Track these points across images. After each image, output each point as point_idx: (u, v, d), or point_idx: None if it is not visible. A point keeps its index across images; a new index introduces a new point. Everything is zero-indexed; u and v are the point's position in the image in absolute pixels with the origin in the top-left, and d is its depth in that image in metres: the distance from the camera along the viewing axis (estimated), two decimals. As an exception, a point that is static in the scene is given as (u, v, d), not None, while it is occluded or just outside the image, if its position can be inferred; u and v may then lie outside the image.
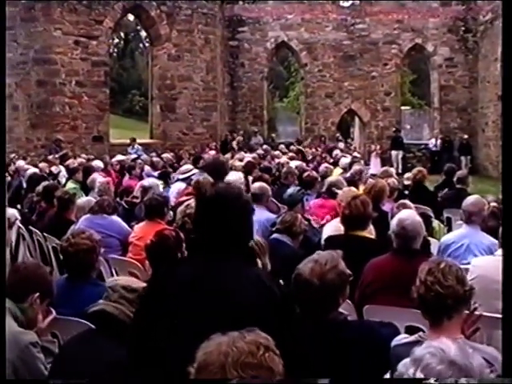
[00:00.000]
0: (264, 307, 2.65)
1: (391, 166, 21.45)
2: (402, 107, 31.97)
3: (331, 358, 3.03)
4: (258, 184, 7.99)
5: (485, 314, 3.51)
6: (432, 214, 8.28)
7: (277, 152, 19.11)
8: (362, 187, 8.73)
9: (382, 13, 27.24)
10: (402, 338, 3.19)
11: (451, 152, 26.22)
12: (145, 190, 8.73)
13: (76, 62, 20.79)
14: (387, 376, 2.97)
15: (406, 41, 27.50)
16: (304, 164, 14.37)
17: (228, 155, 17.59)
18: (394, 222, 4.78)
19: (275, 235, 5.95)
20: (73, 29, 20.65)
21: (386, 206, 7.48)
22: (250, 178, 10.07)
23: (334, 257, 3.28)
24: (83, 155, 17.04)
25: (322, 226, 7.12)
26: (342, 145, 25.52)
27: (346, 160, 14.35)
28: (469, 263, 5.15)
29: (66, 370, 3.25)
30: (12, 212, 7.45)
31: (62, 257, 4.87)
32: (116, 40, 55.48)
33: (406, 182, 11.41)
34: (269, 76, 29.96)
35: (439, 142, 27.33)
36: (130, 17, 28.42)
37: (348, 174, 10.50)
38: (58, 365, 3.40)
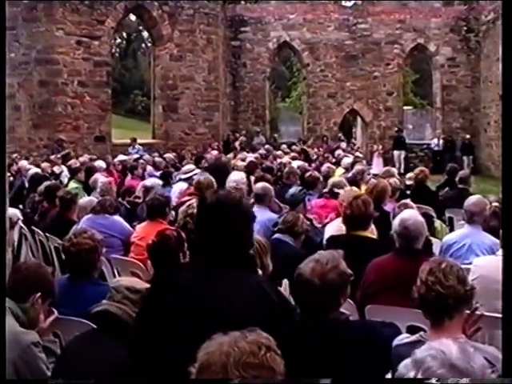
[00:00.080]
0: (263, 314, 2.66)
1: (393, 165, 21.44)
2: (405, 107, 31.95)
3: (332, 358, 3.03)
4: (260, 184, 7.98)
5: (486, 313, 3.51)
6: (434, 214, 8.27)
7: (279, 152, 19.12)
8: (363, 187, 8.73)
9: (384, 13, 27.23)
10: (404, 338, 3.19)
11: (453, 152, 26.21)
12: (147, 190, 8.74)
13: (78, 62, 20.81)
14: (388, 376, 2.97)
15: (408, 41, 27.48)
16: (306, 164, 14.36)
17: (230, 155, 17.59)
18: (396, 222, 4.78)
19: (277, 235, 5.95)
20: (75, 29, 20.67)
21: (388, 206, 7.48)
22: (252, 178, 10.07)
23: (335, 256, 3.28)
24: (86, 155, 17.03)
25: (325, 225, 7.12)
26: (344, 145, 25.49)
27: (348, 160, 14.33)
28: (470, 263, 5.15)
29: (68, 370, 3.26)
30: (14, 212, 7.46)
31: (63, 256, 4.88)
32: (118, 40, 55.44)
33: (408, 182, 11.41)
34: (271, 76, 29.95)
35: (441, 141, 27.30)
36: (132, 17, 28.39)
37: (350, 174, 10.50)
38: (60, 365, 3.40)
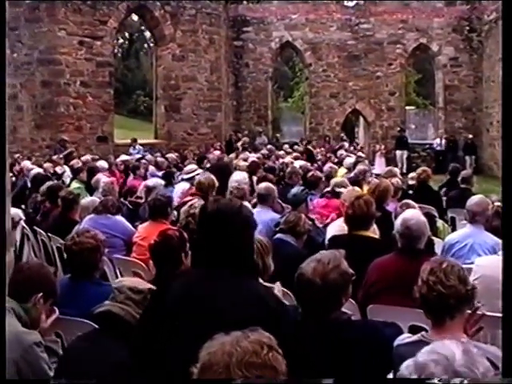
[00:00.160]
0: (263, 318, 2.66)
1: (396, 165, 21.48)
2: (407, 107, 31.95)
3: (334, 358, 3.03)
4: (264, 184, 7.97)
5: (488, 313, 3.51)
6: (436, 214, 8.28)
7: (281, 152, 19.13)
8: (365, 187, 8.72)
9: (386, 13, 27.22)
10: (405, 338, 3.19)
11: (456, 152, 26.19)
12: (149, 190, 8.74)
13: (80, 63, 20.80)
14: (390, 376, 2.97)
15: (410, 41, 27.47)
16: (308, 164, 14.36)
17: (232, 155, 17.59)
18: (398, 222, 4.78)
19: (279, 235, 5.94)
20: (77, 29, 20.65)
21: (390, 206, 7.48)
22: (255, 178, 10.07)
23: (336, 256, 3.28)
24: (88, 155, 17.03)
25: (327, 225, 7.12)
26: (347, 144, 25.47)
27: (350, 160, 14.33)
28: (472, 263, 5.16)
29: (71, 370, 3.26)
30: (16, 212, 7.45)
31: (66, 255, 4.88)
32: (120, 40, 55.50)
33: (411, 182, 11.40)
34: (273, 76, 29.95)
35: (444, 141, 27.28)
36: (135, 17, 28.39)
37: (352, 174, 10.50)
38: (63, 365, 3.41)
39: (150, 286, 3.69)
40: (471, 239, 6.09)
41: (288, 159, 15.22)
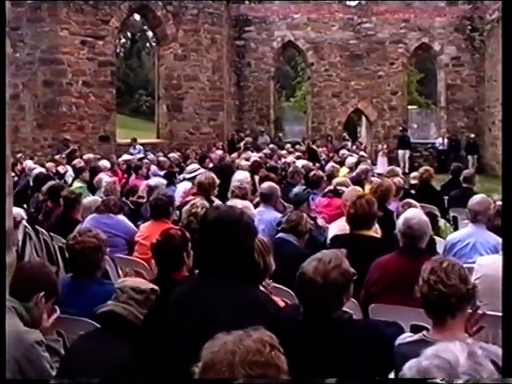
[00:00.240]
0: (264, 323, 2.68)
1: (398, 165, 21.45)
2: (409, 106, 31.92)
3: (335, 357, 3.03)
4: (267, 184, 7.98)
5: (489, 312, 3.51)
6: (438, 213, 8.27)
7: (284, 151, 19.14)
8: (367, 186, 8.72)
9: (388, 12, 27.19)
10: (406, 337, 3.18)
11: (458, 151, 26.17)
12: (150, 189, 8.74)
13: (83, 62, 20.80)
14: (392, 375, 2.96)
15: (412, 40, 27.43)
16: (310, 163, 14.36)
17: (234, 154, 17.60)
18: (400, 221, 4.78)
19: (281, 234, 5.94)
20: (79, 29, 20.66)
21: (392, 206, 7.48)
22: (257, 178, 10.08)
23: (337, 255, 3.28)
24: (90, 154, 17.04)
25: (330, 222, 7.13)
26: (349, 144, 25.46)
27: (352, 159, 14.33)
28: (474, 262, 5.15)
29: (73, 369, 3.27)
30: (18, 211, 7.47)
31: (67, 255, 4.89)
32: (122, 40, 55.62)
33: (413, 181, 11.40)
34: (275, 75, 29.94)
35: (446, 141, 27.25)
36: (137, 17, 28.44)
37: (354, 174, 10.50)
38: (65, 364, 3.41)
39: (152, 285, 3.69)
40: (473, 238, 6.08)
41: (290, 159, 15.23)
